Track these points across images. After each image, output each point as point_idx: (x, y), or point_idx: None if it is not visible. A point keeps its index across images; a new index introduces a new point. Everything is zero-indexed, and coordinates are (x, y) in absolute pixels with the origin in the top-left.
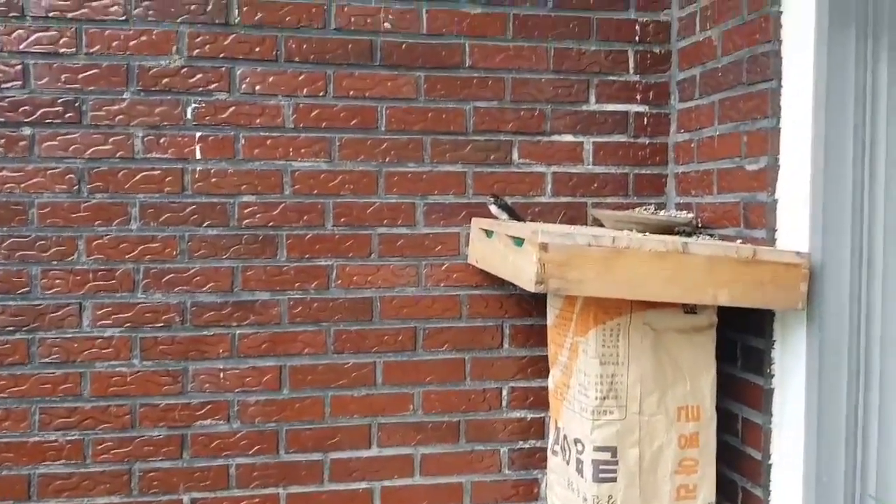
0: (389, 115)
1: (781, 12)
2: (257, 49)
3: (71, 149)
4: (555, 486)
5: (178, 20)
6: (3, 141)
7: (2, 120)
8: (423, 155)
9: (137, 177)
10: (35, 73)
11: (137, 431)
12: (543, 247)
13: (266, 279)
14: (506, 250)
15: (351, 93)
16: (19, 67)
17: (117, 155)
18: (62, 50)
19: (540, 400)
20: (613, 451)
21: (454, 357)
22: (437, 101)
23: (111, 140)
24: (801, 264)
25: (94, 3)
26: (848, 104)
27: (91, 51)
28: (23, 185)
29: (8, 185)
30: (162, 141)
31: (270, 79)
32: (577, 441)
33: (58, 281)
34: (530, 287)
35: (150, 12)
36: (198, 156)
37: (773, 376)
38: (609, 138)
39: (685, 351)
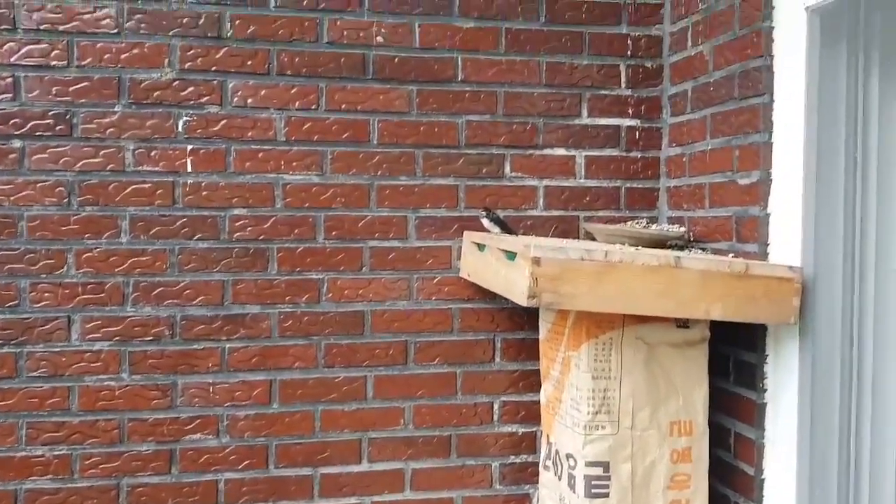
0: (381, 128)
1: (773, 27)
2: (249, 62)
3: (61, 161)
4: (546, 501)
5: (170, 33)
6: None
7: None
8: (415, 168)
9: (128, 190)
10: (26, 85)
11: (126, 446)
12: (536, 261)
13: (256, 293)
14: (498, 264)
15: (343, 106)
16: (10, 80)
17: (108, 168)
18: (53, 63)
19: (531, 414)
20: (606, 466)
21: (445, 371)
22: (429, 114)
23: (102, 153)
24: (793, 279)
25: (85, 16)
26: (839, 119)
27: (82, 63)
28: (12, 198)
29: None
30: (153, 154)
31: (262, 92)
32: (569, 456)
33: (46, 294)
34: (523, 301)
35: (142, 25)
36: (189, 169)
37: (765, 391)
38: (601, 152)
39: (678, 365)
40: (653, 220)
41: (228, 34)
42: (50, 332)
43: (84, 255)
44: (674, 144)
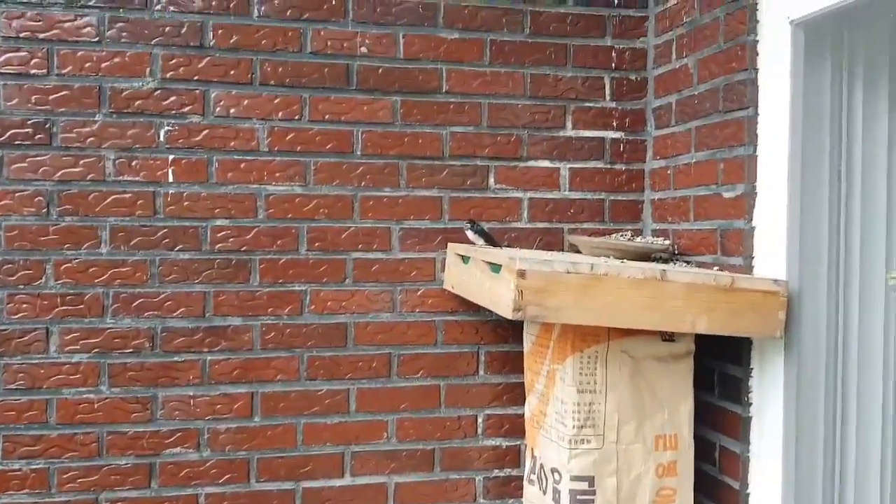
0: (365, 139)
1: (758, 41)
2: (232, 72)
3: (40, 171)
4: None
5: (152, 42)
6: None
7: None
8: (399, 179)
9: (108, 200)
10: (4, 94)
11: (104, 460)
12: (521, 273)
13: (238, 304)
14: (482, 276)
15: (327, 117)
16: None
17: (88, 177)
18: (33, 71)
19: (516, 428)
20: (591, 480)
21: (429, 384)
22: (413, 125)
23: (82, 162)
24: (778, 292)
25: (66, 24)
26: (824, 132)
27: (63, 72)
28: None
29: None
30: (134, 163)
31: (245, 102)
32: (554, 470)
33: (24, 305)
34: (508, 314)
35: (124, 34)
36: (170, 179)
37: (750, 405)
38: (585, 164)
39: (663, 379)
40: (637, 232)
41: (211, 43)
42: (28, 343)
43: (63, 266)
44: (658, 157)
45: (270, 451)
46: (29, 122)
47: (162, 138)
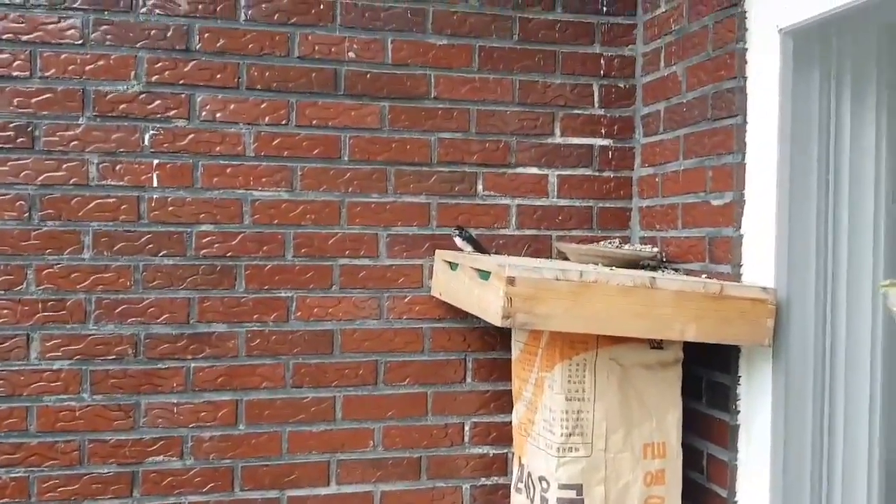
0: (353, 144)
1: (746, 49)
2: (218, 76)
3: (22, 175)
4: None
5: (137, 45)
6: None
7: None
8: (387, 185)
9: (91, 204)
10: None
11: (86, 468)
12: (510, 280)
13: (223, 311)
14: (471, 283)
15: (314, 122)
16: None
17: (71, 182)
18: (15, 73)
19: (503, 435)
20: (579, 488)
21: (416, 391)
22: (401, 131)
23: (65, 166)
24: (767, 300)
25: (49, 27)
26: (812, 140)
27: (46, 74)
28: None
29: None
30: (118, 168)
31: (231, 106)
32: (541, 479)
33: (5, 311)
34: (497, 321)
35: (108, 37)
36: (155, 183)
37: (738, 413)
38: (574, 171)
39: (651, 387)
40: (625, 240)
41: (197, 47)
42: (8, 350)
43: (45, 271)
44: (646, 165)
45: (255, 459)
46: (11, 125)
47: (147, 142)
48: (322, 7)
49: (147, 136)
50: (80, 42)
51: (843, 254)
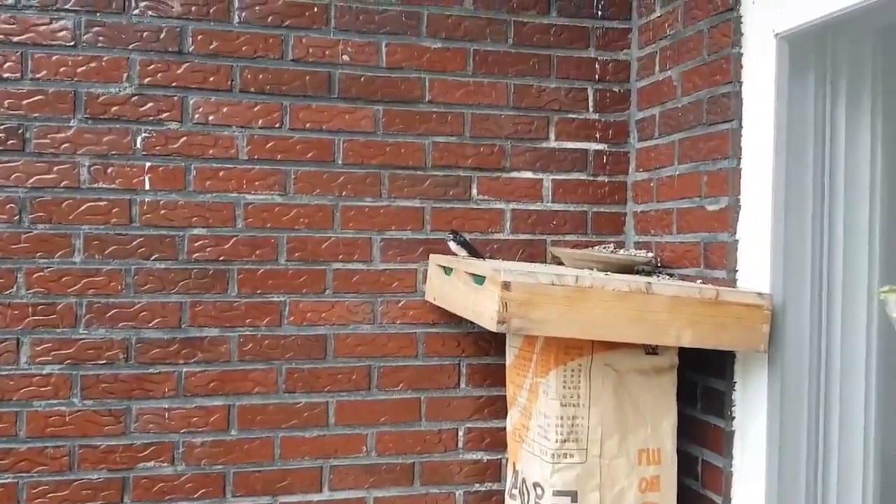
0: (347, 148)
1: (742, 54)
2: (211, 78)
3: (12, 177)
4: None
5: (130, 47)
6: None
7: None
8: (381, 189)
9: (82, 207)
10: None
11: (76, 474)
12: (506, 285)
13: (216, 315)
14: (465, 288)
15: (308, 125)
16: None
17: (62, 184)
18: (6, 75)
19: (497, 441)
20: (574, 495)
21: (410, 397)
22: (395, 135)
23: (56, 169)
24: (763, 305)
25: (41, 28)
26: (808, 145)
27: (37, 76)
28: None
29: None
30: (109, 171)
31: (224, 109)
32: (536, 485)
33: None
34: (492, 327)
35: (101, 38)
36: (147, 186)
37: (733, 418)
38: (568, 176)
39: (646, 392)
40: (620, 244)
41: (190, 49)
42: None
43: (35, 275)
44: (641, 169)
45: (247, 465)
46: (1, 128)
47: (139, 145)
48: (316, 10)
49: (139, 139)
50: (71, 43)
51: (838, 259)
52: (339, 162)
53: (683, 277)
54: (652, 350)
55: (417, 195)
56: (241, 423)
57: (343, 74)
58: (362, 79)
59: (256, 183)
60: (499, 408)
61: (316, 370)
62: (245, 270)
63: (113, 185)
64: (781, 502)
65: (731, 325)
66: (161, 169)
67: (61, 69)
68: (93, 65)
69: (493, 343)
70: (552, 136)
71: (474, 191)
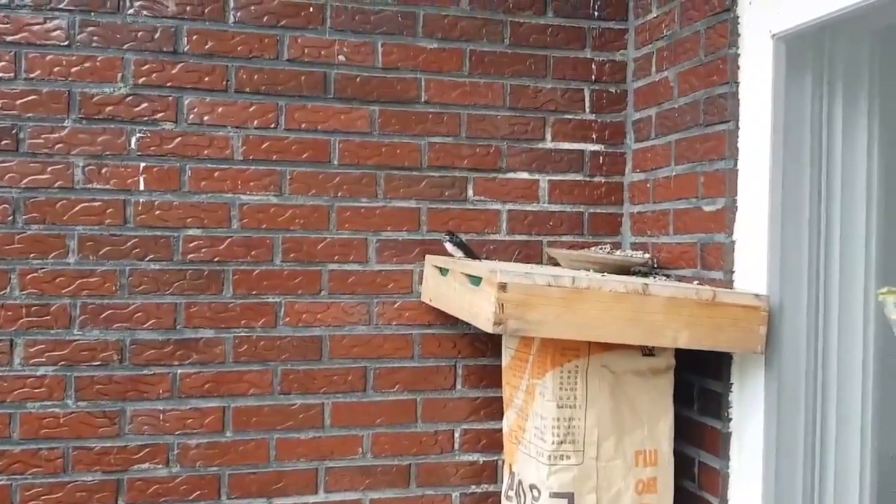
0: (342, 148)
1: (739, 54)
2: (206, 78)
3: (6, 178)
4: None
5: (124, 47)
6: None
7: None
8: (377, 190)
9: (77, 208)
10: None
11: (70, 476)
12: (502, 286)
13: (211, 316)
14: (462, 289)
15: (303, 125)
16: None
17: (56, 185)
18: (0, 75)
19: (493, 442)
20: (570, 497)
21: (405, 398)
22: (391, 135)
23: (50, 169)
24: (759, 307)
25: (35, 27)
26: (804, 146)
27: (31, 76)
28: None
29: None
30: (104, 171)
31: (219, 109)
32: (532, 487)
33: None
34: (488, 328)
35: (95, 38)
36: (141, 187)
37: (730, 420)
38: (565, 177)
39: (643, 394)
40: (616, 245)
41: (185, 49)
42: None
43: (29, 276)
44: (637, 170)
45: (242, 466)
46: None
47: (133, 145)
48: (312, 10)
49: (134, 139)
50: (65, 43)
51: (835, 260)
52: (335, 162)
53: (680, 278)
54: (649, 351)
55: (413, 196)
56: (236, 424)
57: (339, 75)
58: (358, 79)
59: (252, 183)
60: (495, 409)
61: (311, 371)
62: (240, 271)
63: (107, 186)
64: (778, 503)
65: (728, 326)
66: (156, 169)
67: (55, 69)
68: (87, 65)
69: (489, 344)
70: (548, 136)
71: (470, 191)
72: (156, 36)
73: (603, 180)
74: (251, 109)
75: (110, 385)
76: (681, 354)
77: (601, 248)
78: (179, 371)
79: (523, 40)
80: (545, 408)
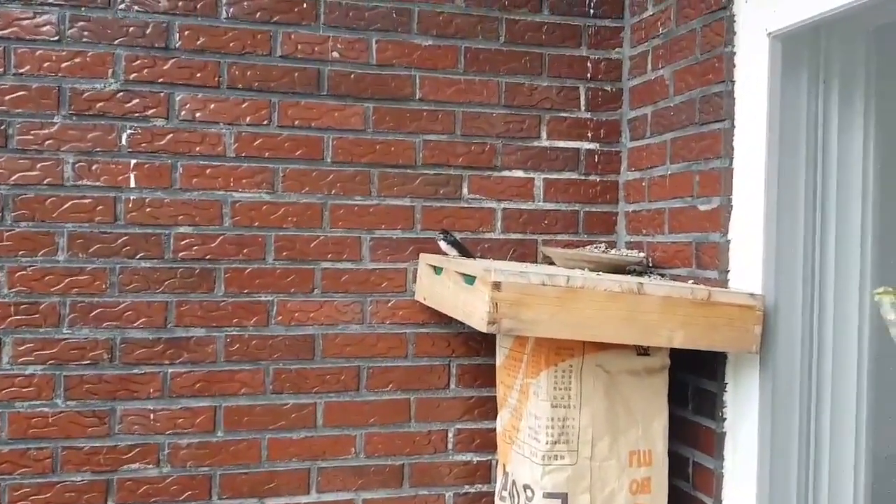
0: (336, 146)
1: (735, 53)
2: (198, 75)
3: None
4: None
5: (115, 42)
6: None
7: None
8: (371, 188)
9: (66, 205)
10: None
11: (59, 476)
12: (496, 285)
13: (202, 315)
14: (456, 288)
15: (296, 122)
16: None
17: (45, 181)
18: None
19: (487, 442)
20: (564, 497)
21: (399, 398)
22: (385, 132)
23: (39, 166)
24: (755, 306)
25: (24, 22)
26: (800, 145)
27: (20, 71)
28: None
29: None
30: (94, 168)
31: (211, 106)
32: (526, 487)
33: None
34: (482, 327)
35: (85, 33)
36: (132, 184)
37: (725, 420)
38: (560, 175)
39: (637, 394)
40: (611, 244)
41: (177, 45)
42: None
43: (17, 274)
44: (633, 169)
45: (233, 466)
46: None
47: (124, 142)
48: (305, 6)
49: (124, 136)
50: (55, 38)
51: (830, 260)
52: (328, 160)
53: (675, 278)
54: (643, 351)
55: (407, 194)
56: (227, 424)
57: (332, 71)
58: (352, 76)
59: (244, 181)
60: (489, 409)
61: (304, 371)
62: (232, 270)
63: (98, 183)
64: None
65: (723, 326)
66: (147, 166)
67: (45, 64)
68: (77, 60)
69: (483, 343)
70: (544, 134)
71: (465, 190)
72: (147, 31)
73: (598, 179)
74: (244, 106)
75: (100, 384)
76: (675, 354)
77: (596, 247)
78: (170, 370)
79: (519, 38)
80: (539, 407)
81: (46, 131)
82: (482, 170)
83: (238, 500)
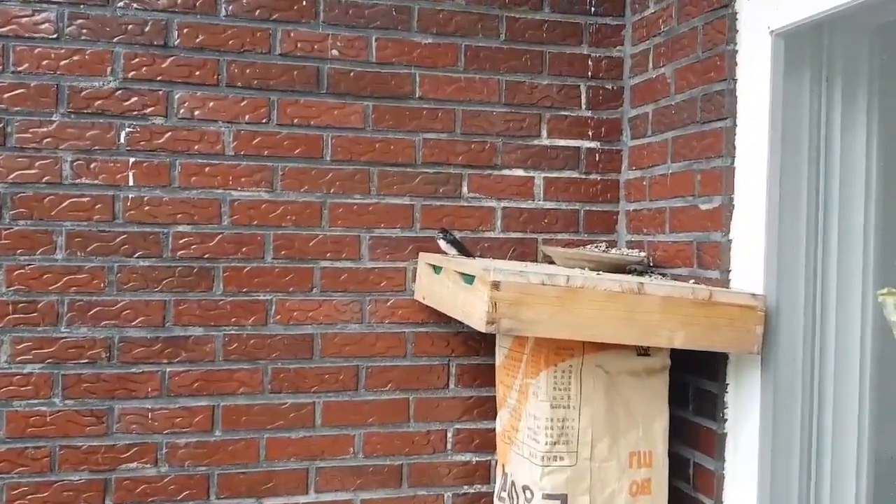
0: (335, 144)
1: (737, 51)
2: (197, 73)
3: None
4: None
5: (114, 40)
6: None
7: None
8: (370, 186)
9: (65, 203)
10: None
11: (57, 475)
12: (496, 285)
13: (200, 314)
14: (455, 287)
15: (295, 120)
16: None
17: (43, 180)
18: None
19: (486, 442)
20: (564, 498)
21: (398, 397)
22: (385, 131)
23: (37, 164)
24: (756, 306)
25: (23, 20)
26: (803, 144)
27: (18, 69)
28: None
29: None
30: (92, 166)
31: (210, 104)
32: (525, 488)
33: None
34: (481, 327)
35: (84, 31)
36: (131, 182)
37: (725, 421)
38: (560, 174)
39: (638, 394)
40: (612, 243)
41: (175, 43)
42: None
43: (16, 272)
44: (633, 168)
45: (231, 466)
46: None
47: (122, 140)
48: (305, 3)
49: (123, 134)
50: (54, 36)
51: (833, 259)
52: (328, 158)
53: (676, 277)
54: (644, 351)
55: (407, 192)
56: (225, 423)
57: (332, 69)
58: (351, 74)
59: (243, 179)
60: (488, 409)
61: (302, 370)
62: (230, 268)
63: (96, 181)
64: None
65: (724, 326)
66: (145, 164)
67: (43, 62)
68: (76, 58)
69: (482, 343)
70: (544, 133)
71: (465, 188)
72: (146, 29)
73: (599, 178)
74: (243, 104)
75: (98, 383)
76: (676, 354)
77: (596, 247)
78: (168, 369)
79: (519, 36)
80: (539, 408)
81: (45, 129)
82: (482, 168)
83: (236, 500)
